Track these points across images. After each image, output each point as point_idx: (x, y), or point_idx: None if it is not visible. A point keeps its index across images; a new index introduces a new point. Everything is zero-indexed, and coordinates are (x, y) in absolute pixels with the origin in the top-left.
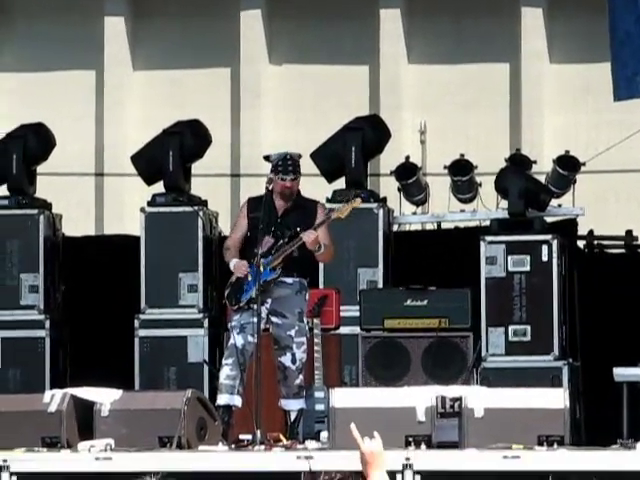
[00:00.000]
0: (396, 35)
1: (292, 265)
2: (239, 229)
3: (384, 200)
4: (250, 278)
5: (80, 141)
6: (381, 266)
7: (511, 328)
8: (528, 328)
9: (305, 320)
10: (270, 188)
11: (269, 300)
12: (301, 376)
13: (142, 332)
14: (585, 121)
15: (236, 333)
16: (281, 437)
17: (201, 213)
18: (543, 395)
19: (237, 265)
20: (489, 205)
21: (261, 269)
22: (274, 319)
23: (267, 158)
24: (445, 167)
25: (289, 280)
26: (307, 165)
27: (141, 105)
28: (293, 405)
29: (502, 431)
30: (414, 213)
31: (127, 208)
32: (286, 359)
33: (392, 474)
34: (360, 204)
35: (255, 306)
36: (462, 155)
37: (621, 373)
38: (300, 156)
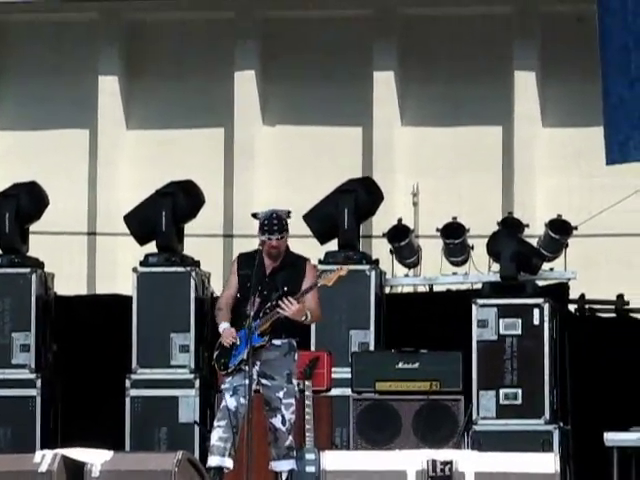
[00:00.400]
0: (390, 98)
1: (280, 327)
2: (230, 286)
3: (376, 262)
4: (239, 342)
5: (73, 200)
6: (373, 328)
7: (502, 391)
8: (519, 391)
9: (294, 381)
10: (261, 248)
11: (258, 363)
12: (291, 437)
13: (133, 392)
14: (577, 184)
15: (229, 395)
16: None
17: (194, 273)
18: (534, 460)
19: (225, 333)
20: (481, 268)
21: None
22: (263, 381)
23: (255, 215)
24: (437, 230)
25: (277, 342)
26: (300, 226)
27: (134, 165)
28: (283, 466)
29: None
30: (406, 275)
31: (119, 268)
32: (276, 421)
33: None
34: (347, 273)
35: (247, 367)
36: (454, 218)
37: (612, 438)
38: (289, 213)
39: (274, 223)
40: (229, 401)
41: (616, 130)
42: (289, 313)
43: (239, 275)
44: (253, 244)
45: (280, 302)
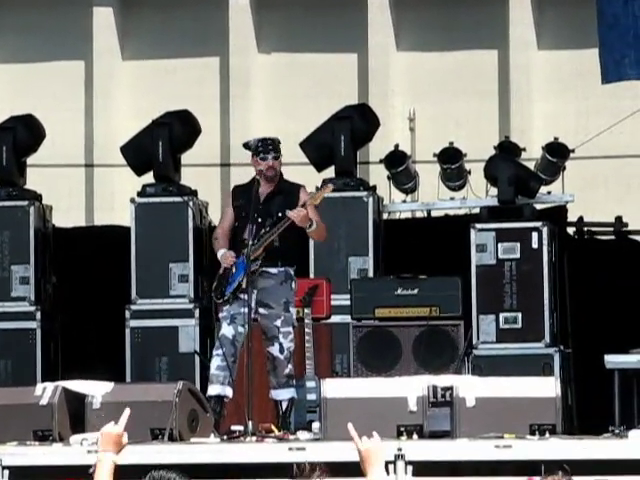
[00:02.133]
0: (385, 23)
1: (276, 255)
2: (226, 218)
3: (374, 188)
4: (235, 270)
5: (70, 132)
6: (371, 254)
7: (502, 315)
8: (519, 315)
9: (292, 310)
10: (255, 174)
11: (255, 291)
12: (290, 365)
13: (133, 322)
14: (574, 108)
15: (226, 324)
16: (273, 428)
17: (191, 203)
18: (534, 384)
19: (224, 255)
20: (479, 193)
21: (245, 259)
22: (261, 310)
23: (246, 145)
24: (434, 155)
25: (273, 270)
26: (296, 154)
27: (130, 95)
28: (283, 395)
29: (494, 420)
30: (404, 201)
31: (117, 199)
32: (274, 349)
33: (384, 465)
34: (331, 191)
35: (244, 296)
36: (451, 143)
37: (612, 360)
38: (279, 141)
39: (268, 144)
40: (227, 329)
41: (611, 49)
42: (298, 218)
43: (234, 207)
44: (250, 173)
45: (288, 211)
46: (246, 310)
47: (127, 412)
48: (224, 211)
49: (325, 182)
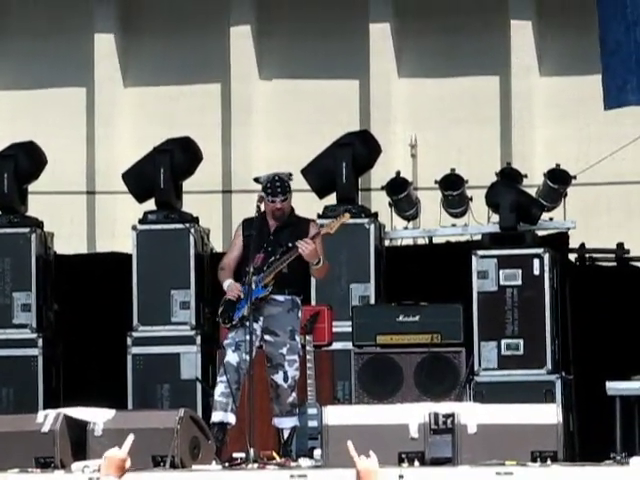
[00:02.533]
0: (386, 50)
1: (284, 282)
2: (234, 249)
3: (375, 215)
4: (242, 296)
5: (71, 159)
6: (373, 281)
7: (504, 342)
8: (521, 342)
9: (297, 338)
10: (262, 208)
11: (261, 318)
12: (294, 394)
13: (135, 349)
14: (575, 134)
15: (231, 351)
16: (274, 455)
17: (193, 230)
18: (536, 410)
19: (230, 287)
20: (480, 219)
21: (253, 287)
22: (266, 337)
23: (257, 180)
24: (436, 182)
25: (280, 298)
26: (298, 181)
27: (132, 122)
28: (286, 423)
29: (495, 447)
30: (405, 228)
31: (119, 226)
32: (278, 377)
33: None
34: (349, 219)
35: (249, 323)
36: (453, 169)
37: (614, 387)
38: (290, 175)
39: (277, 185)
40: (231, 356)
41: (613, 75)
42: (306, 252)
43: (244, 237)
44: (252, 200)
45: (297, 242)
46: (249, 337)
47: (131, 437)
48: (233, 241)
49: (344, 211)
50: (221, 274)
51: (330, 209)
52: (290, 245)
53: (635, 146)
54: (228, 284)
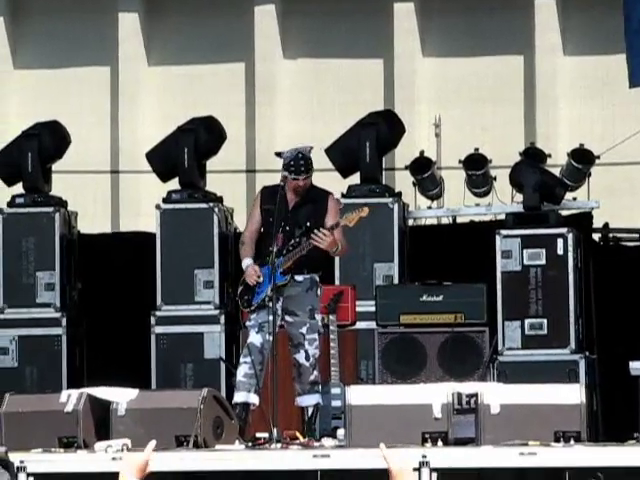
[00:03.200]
0: (410, 29)
1: (302, 263)
2: (253, 221)
3: (399, 195)
4: (262, 279)
5: (95, 138)
6: (397, 261)
7: (527, 322)
8: (544, 322)
9: (317, 317)
10: (283, 183)
11: (281, 298)
12: (315, 372)
13: (158, 329)
14: (600, 114)
15: (254, 332)
16: (298, 435)
17: (216, 209)
18: (559, 390)
19: (249, 271)
20: (504, 199)
21: (271, 269)
22: (287, 317)
23: (279, 155)
24: (460, 161)
25: (299, 278)
26: (322, 160)
27: (156, 101)
28: (308, 401)
29: (518, 427)
30: (429, 207)
31: (143, 205)
32: (300, 356)
33: None
34: (367, 213)
35: (271, 304)
36: (476, 149)
37: (637, 367)
38: (311, 149)
39: (300, 164)
40: (254, 337)
41: (638, 53)
42: (324, 245)
43: (262, 209)
44: (275, 179)
45: (313, 235)
46: (272, 318)
47: (153, 443)
48: (251, 213)
49: (363, 204)
50: (242, 249)
51: (354, 189)
52: (308, 225)
53: None
54: (247, 265)
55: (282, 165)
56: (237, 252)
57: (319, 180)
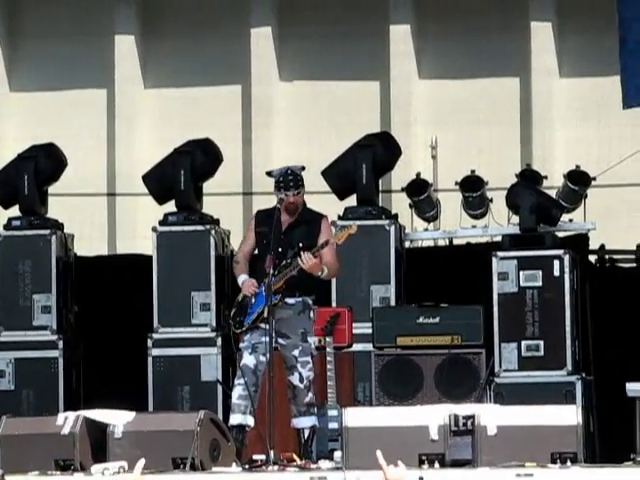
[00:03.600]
0: (407, 51)
1: (294, 285)
2: (247, 242)
3: (396, 217)
4: (254, 300)
5: (92, 161)
6: (393, 283)
7: (524, 343)
8: (541, 343)
9: (310, 339)
10: (279, 205)
11: (274, 321)
12: (310, 394)
13: (155, 351)
14: (596, 135)
15: (248, 353)
16: (294, 457)
17: (213, 232)
18: (556, 412)
19: (246, 283)
20: (500, 221)
21: (269, 290)
22: (279, 340)
23: (269, 174)
24: (456, 183)
25: (291, 301)
26: (318, 182)
27: (152, 124)
28: (304, 423)
29: (515, 449)
30: (426, 229)
31: (139, 227)
32: (294, 378)
33: None
34: (356, 230)
35: (265, 325)
36: (473, 171)
37: (634, 388)
38: (303, 168)
39: (289, 179)
40: (248, 359)
41: (632, 74)
42: (306, 267)
43: (256, 232)
44: (272, 201)
45: (298, 256)
46: (267, 339)
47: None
48: (246, 235)
49: (352, 221)
50: (236, 268)
51: (350, 211)
52: (301, 245)
53: None
54: (243, 280)
55: (273, 184)
56: (234, 274)
57: (315, 202)
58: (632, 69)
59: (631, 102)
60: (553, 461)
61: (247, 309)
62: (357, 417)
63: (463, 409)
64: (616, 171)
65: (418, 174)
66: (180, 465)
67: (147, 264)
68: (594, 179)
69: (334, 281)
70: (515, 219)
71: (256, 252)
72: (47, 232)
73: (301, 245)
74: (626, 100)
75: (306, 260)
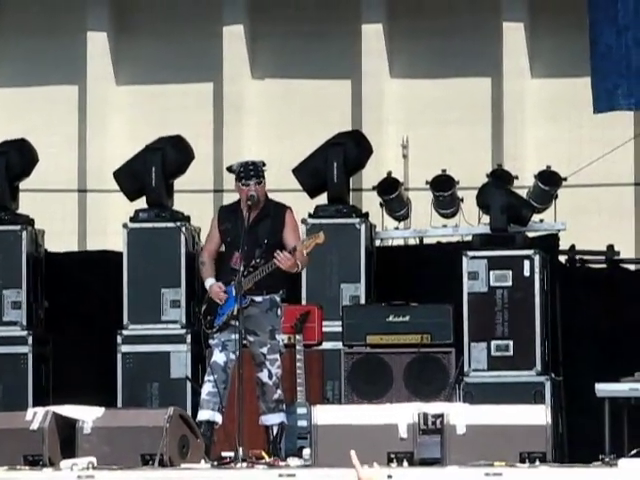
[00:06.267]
0: (378, 50)
1: (261, 283)
2: (212, 240)
3: (366, 215)
4: (222, 303)
5: (63, 157)
6: (363, 281)
7: (493, 343)
8: (510, 343)
9: (278, 337)
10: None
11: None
12: (279, 391)
13: (125, 348)
14: (567, 136)
15: (218, 351)
16: (263, 454)
17: (184, 229)
18: (525, 411)
19: (214, 289)
20: (471, 220)
21: (234, 291)
22: (248, 337)
23: (230, 169)
24: (427, 182)
25: (258, 298)
26: (289, 180)
27: (124, 120)
28: (273, 419)
29: (484, 448)
30: (396, 228)
31: (110, 224)
32: (263, 375)
33: None
34: (323, 240)
35: (235, 322)
36: (444, 170)
37: (603, 389)
38: (264, 163)
39: (250, 169)
40: (218, 356)
41: (603, 78)
42: (284, 267)
43: (220, 230)
44: None
45: (276, 255)
46: (237, 337)
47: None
48: (210, 233)
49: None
50: (202, 269)
51: (321, 209)
52: (266, 242)
53: (625, 148)
54: (210, 284)
55: (235, 177)
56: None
57: (286, 200)
58: (603, 74)
59: (601, 107)
60: (522, 461)
61: (217, 308)
62: (326, 415)
63: (432, 408)
64: (587, 171)
65: (389, 173)
66: (149, 461)
67: (117, 260)
68: (565, 179)
69: (304, 279)
70: (486, 219)
71: (222, 248)
72: (18, 228)
73: (267, 241)
74: (597, 105)
75: (284, 260)
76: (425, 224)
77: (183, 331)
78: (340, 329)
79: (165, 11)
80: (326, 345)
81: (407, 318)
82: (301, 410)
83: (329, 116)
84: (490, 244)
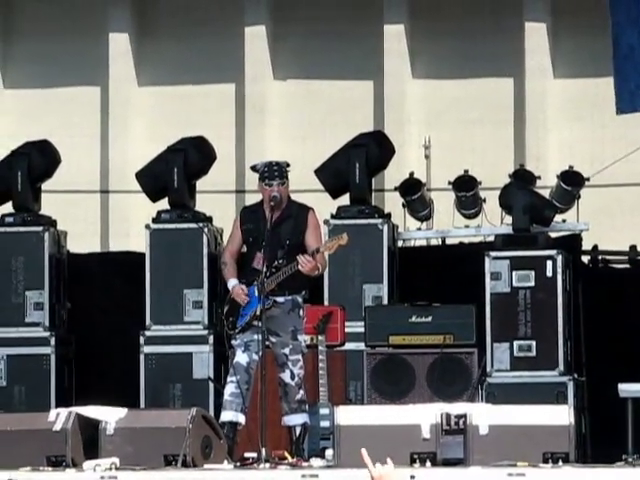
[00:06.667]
0: (400, 51)
1: (284, 283)
2: (234, 241)
3: (389, 216)
4: (244, 304)
5: (85, 158)
6: (386, 282)
7: (516, 343)
8: (533, 343)
9: (300, 337)
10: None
11: (265, 321)
12: (302, 391)
13: (147, 349)
14: (589, 136)
15: (241, 351)
16: (286, 455)
17: (206, 229)
18: (548, 412)
19: (236, 291)
20: (493, 221)
21: (261, 290)
22: (271, 338)
23: (254, 168)
24: (449, 183)
25: (280, 299)
26: (311, 181)
27: (146, 121)
28: (295, 420)
29: (507, 448)
30: (419, 229)
31: (132, 225)
32: (285, 376)
33: None
34: (347, 241)
35: (258, 323)
36: (466, 171)
37: (626, 389)
38: (288, 164)
39: (274, 169)
40: (241, 357)
41: (625, 79)
42: (306, 270)
43: (242, 230)
44: None
45: (298, 259)
46: (259, 337)
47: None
48: (232, 233)
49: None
50: (225, 270)
51: (343, 210)
52: (288, 243)
53: None
54: (233, 285)
55: (258, 178)
56: (222, 275)
57: (308, 200)
58: (625, 74)
59: (624, 108)
60: (545, 461)
61: (239, 309)
62: (349, 415)
63: (455, 408)
64: (609, 171)
65: (411, 173)
66: (172, 462)
67: (140, 261)
68: (587, 179)
69: (326, 280)
70: (508, 219)
71: (244, 249)
72: (40, 229)
73: (289, 242)
74: (619, 106)
75: (305, 263)
76: (447, 224)
77: (205, 332)
78: (362, 330)
79: (187, 12)
80: (349, 346)
81: (429, 319)
82: (324, 411)
83: (351, 117)
84: (512, 244)
